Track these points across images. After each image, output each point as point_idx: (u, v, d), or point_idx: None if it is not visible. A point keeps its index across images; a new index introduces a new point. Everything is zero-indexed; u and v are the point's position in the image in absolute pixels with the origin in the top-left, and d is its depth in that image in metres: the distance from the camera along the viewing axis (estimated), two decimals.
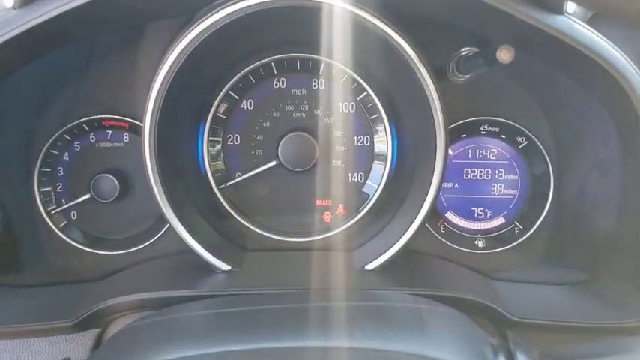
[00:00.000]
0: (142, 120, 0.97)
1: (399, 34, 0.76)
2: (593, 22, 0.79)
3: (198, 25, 0.75)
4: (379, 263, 0.87)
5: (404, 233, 0.86)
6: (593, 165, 0.91)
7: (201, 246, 0.85)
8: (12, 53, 0.67)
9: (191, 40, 0.76)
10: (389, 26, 0.75)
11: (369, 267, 0.87)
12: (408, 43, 0.78)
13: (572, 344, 0.55)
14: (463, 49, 0.87)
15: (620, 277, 0.80)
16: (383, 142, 1.01)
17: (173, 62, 0.77)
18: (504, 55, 0.67)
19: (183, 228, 0.83)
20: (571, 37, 0.67)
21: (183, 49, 0.76)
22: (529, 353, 0.56)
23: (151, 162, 0.81)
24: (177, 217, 0.83)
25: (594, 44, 0.70)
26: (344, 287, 0.73)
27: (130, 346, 0.50)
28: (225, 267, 0.86)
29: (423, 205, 0.85)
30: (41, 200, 0.99)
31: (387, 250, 0.87)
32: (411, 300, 0.60)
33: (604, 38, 0.72)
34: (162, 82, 0.78)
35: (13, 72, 0.77)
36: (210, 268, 0.86)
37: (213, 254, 0.85)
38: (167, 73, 0.77)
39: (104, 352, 0.55)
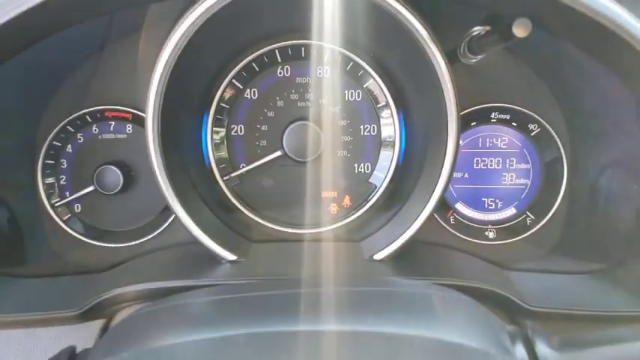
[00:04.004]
0: (144, 110, 0.97)
1: (410, 12, 0.73)
2: None
3: (197, 7, 0.73)
4: (387, 253, 0.85)
5: (412, 223, 0.84)
6: (609, 152, 0.89)
7: (207, 236, 0.83)
8: (16, 31, 0.66)
9: (191, 24, 0.74)
10: (400, 4, 0.72)
11: (377, 257, 0.85)
12: (420, 22, 0.75)
13: (595, 331, 0.53)
14: (475, 29, 0.84)
15: (638, 266, 0.77)
16: (390, 131, 0.99)
17: (174, 48, 0.75)
18: (521, 29, 0.64)
19: (189, 219, 0.82)
20: (588, 7, 0.63)
21: (183, 34, 0.74)
22: (549, 341, 0.54)
23: (155, 153, 0.79)
24: (183, 208, 0.81)
25: (615, 15, 0.65)
26: (353, 275, 0.71)
27: (137, 331, 0.49)
28: (231, 257, 0.84)
29: (432, 195, 0.83)
30: (45, 193, 0.98)
31: (395, 241, 0.84)
32: (422, 286, 0.58)
33: (625, 9, 0.68)
34: (163, 70, 0.76)
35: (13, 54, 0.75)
36: (215, 259, 0.85)
37: (219, 244, 0.84)
38: (168, 59, 0.76)
39: (111, 337, 0.53)
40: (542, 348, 0.54)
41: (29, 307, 0.76)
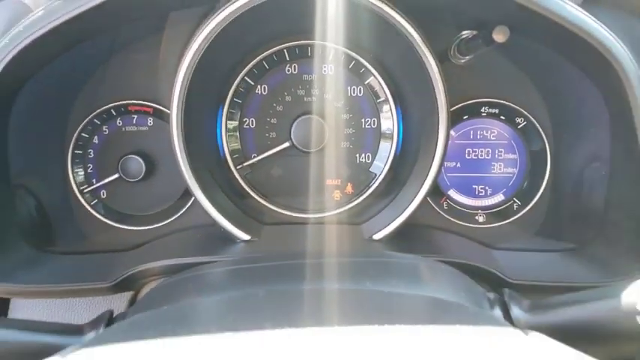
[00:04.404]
0: (164, 105, 1.06)
1: (404, 19, 0.82)
2: (585, 5, 0.85)
3: (221, 12, 0.82)
4: (385, 234, 0.94)
5: (408, 207, 0.93)
6: (587, 144, 0.98)
7: (224, 218, 0.93)
8: (55, 41, 0.75)
9: (213, 28, 0.83)
10: (396, 12, 0.82)
11: (376, 237, 0.94)
12: (413, 27, 0.85)
13: (559, 295, 0.62)
14: (464, 32, 0.93)
15: (608, 244, 0.87)
16: (389, 124, 1.08)
17: (196, 50, 0.85)
18: (499, 35, 0.74)
19: (208, 202, 0.91)
20: (562, 17, 0.72)
21: (206, 36, 0.84)
22: (521, 304, 0.64)
23: (178, 143, 0.89)
24: (202, 192, 0.91)
25: (586, 24, 0.75)
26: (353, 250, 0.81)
27: (171, 291, 0.58)
28: (246, 237, 0.94)
29: (425, 182, 0.92)
30: (74, 180, 1.07)
31: (392, 222, 0.94)
32: (413, 258, 0.67)
33: (596, 20, 0.78)
34: (186, 69, 0.86)
35: (53, 60, 0.85)
36: (231, 239, 0.94)
37: (235, 225, 0.93)
38: (191, 60, 0.85)
39: (148, 297, 0.63)
40: (515, 310, 0.63)
41: (64, 280, 0.85)
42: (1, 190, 0.87)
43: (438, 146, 0.89)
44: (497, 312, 0.64)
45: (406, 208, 0.93)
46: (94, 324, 0.63)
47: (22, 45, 0.72)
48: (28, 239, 0.90)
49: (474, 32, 0.90)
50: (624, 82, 0.73)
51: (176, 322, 0.44)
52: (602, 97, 0.85)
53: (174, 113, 0.88)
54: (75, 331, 0.62)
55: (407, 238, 0.96)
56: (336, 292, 0.49)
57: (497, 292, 0.80)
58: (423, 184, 0.92)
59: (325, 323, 0.39)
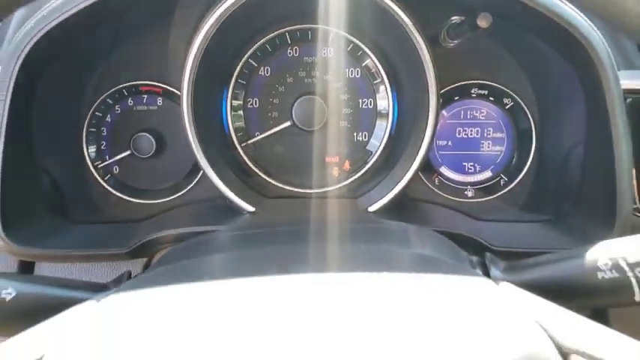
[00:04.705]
0: (173, 85, 1.13)
1: (397, 5, 0.89)
2: None
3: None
4: (380, 206, 1.02)
5: (400, 181, 1.01)
6: (568, 124, 1.05)
7: (230, 191, 1.00)
8: (75, 24, 0.81)
9: (222, 13, 0.89)
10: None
11: (371, 209, 1.02)
12: (405, 13, 0.91)
13: (534, 257, 0.69)
14: (453, 18, 1.00)
15: (583, 216, 0.95)
16: (385, 104, 1.15)
17: (206, 33, 0.91)
18: (483, 21, 0.80)
19: (216, 176, 0.99)
20: (539, 4, 0.79)
21: (215, 20, 0.90)
22: (500, 265, 0.71)
23: (188, 121, 0.96)
24: (211, 167, 0.98)
25: (563, 12, 0.82)
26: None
27: (186, 251, 0.66)
28: (251, 208, 1.01)
29: (417, 157, 0.99)
30: (89, 156, 1.14)
31: (386, 195, 1.02)
32: (403, 225, 0.74)
33: (573, 7, 0.84)
34: (196, 52, 0.92)
35: (72, 43, 0.91)
36: (236, 210, 1.02)
37: (241, 198, 1.01)
38: (200, 44, 0.91)
39: (166, 256, 0.70)
40: (494, 271, 0.71)
41: (85, 246, 0.93)
42: (27, 166, 0.94)
43: (428, 125, 0.96)
44: (478, 272, 0.71)
45: (399, 183, 1.00)
46: (116, 282, 0.71)
47: (47, 29, 0.78)
48: (50, 210, 0.97)
49: (462, 18, 0.97)
50: (597, 66, 0.80)
51: (194, 270, 0.52)
52: (579, 79, 0.92)
53: (185, 93, 0.94)
54: (100, 288, 0.69)
55: (400, 210, 1.04)
56: (333, 249, 0.57)
57: (480, 257, 0.89)
58: (414, 160, 0.99)
59: (323, 271, 0.47)
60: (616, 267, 0.62)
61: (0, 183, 0.85)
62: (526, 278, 0.67)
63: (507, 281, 0.67)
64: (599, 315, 0.94)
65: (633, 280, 0.61)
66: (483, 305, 0.43)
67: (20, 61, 0.80)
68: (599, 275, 0.63)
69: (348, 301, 0.43)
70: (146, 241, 0.92)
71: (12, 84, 0.81)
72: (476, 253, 0.92)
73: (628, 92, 0.87)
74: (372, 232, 0.66)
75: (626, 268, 0.61)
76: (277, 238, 0.64)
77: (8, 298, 0.64)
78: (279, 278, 0.45)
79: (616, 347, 0.43)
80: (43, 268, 1.05)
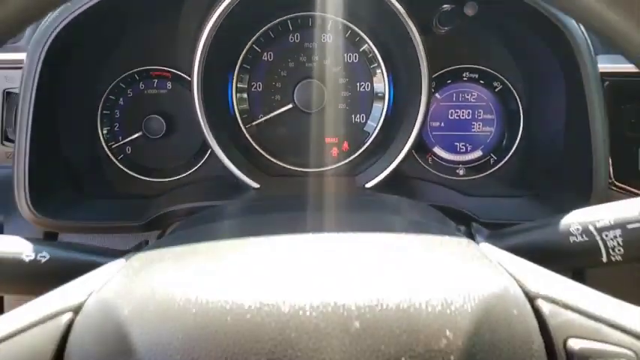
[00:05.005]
0: (182, 70, 1.20)
1: None
2: None
3: None
4: (376, 182, 1.09)
5: (395, 160, 1.08)
6: (551, 106, 1.12)
7: (237, 169, 1.08)
8: (96, 12, 0.88)
9: (230, 2, 0.96)
10: None
11: (368, 185, 1.10)
12: (399, 2, 0.98)
13: (515, 225, 0.77)
14: (444, 6, 1.07)
15: (564, 190, 1.03)
16: (381, 88, 1.22)
17: (215, 20, 0.98)
18: (469, 10, 0.87)
19: (223, 155, 1.06)
20: None
21: (224, 9, 0.97)
22: (484, 233, 0.79)
23: (199, 104, 1.03)
24: (219, 146, 1.06)
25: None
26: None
27: (195, 223, 0.73)
28: (255, 185, 1.09)
29: (411, 136, 1.07)
30: (103, 137, 1.22)
31: (382, 173, 1.09)
32: (396, 197, 0.82)
33: None
34: (206, 38, 0.99)
35: (92, 30, 0.98)
36: (242, 187, 1.10)
37: (246, 175, 1.08)
38: (210, 31, 0.98)
39: (182, 224, 0.78)
40: (478, 238, 0.79)
41: (103, 218, 1.01)
42: (51, 146, 1.02)
43: (421, 106, 1.04)
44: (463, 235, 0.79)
45: (394, 161, 1.08)
46: (137, 247, 0.79)
47: (70, 17, 0.85)
48: (71, 187, 1.05)
49: (452, 6, 1.04)
50: (575, 52, 0.87)
51: (211, 230, 0.59)
52: (560, 64, 0.99)
53: (195, 78, 1.02)
54: (121, 254, 0.78)
55: (395, 186, 1.11)
56: (330, 213, 0.65)
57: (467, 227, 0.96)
58: (408, 139, 1.07)
59: (321, 231, 0.54)
60: (586, 232, 0.69)
61: (28, 162, 0.92)
62: (507, 244, 0.74)
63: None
64: (577, 279, 1.02)
65: (600, 244, 0.68)
66: (459, 252, 0.51)
67: (46, 48, 0.88)
68: (571, 239, 0.69)
69: (342, 242, 0.51)
70: (161, 214, 1.00)
71: (38, 70, 0.88)
72: (463, 225, 1.00)
73: (606, 75, 0.94)
74: (366, 202, 0.74)
75: (595, 233, 0.68)
76: (281, 207, 0.71)
77: (43, 260, 0.72)
78: (287, 230, 0.52)
79: (581, 294, 0.47)
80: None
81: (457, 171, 1.27)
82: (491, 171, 1.25)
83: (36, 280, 0.70)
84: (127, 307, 0.44)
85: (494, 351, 0.42)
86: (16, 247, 0.71)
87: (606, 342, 0.43)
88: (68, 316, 0.46)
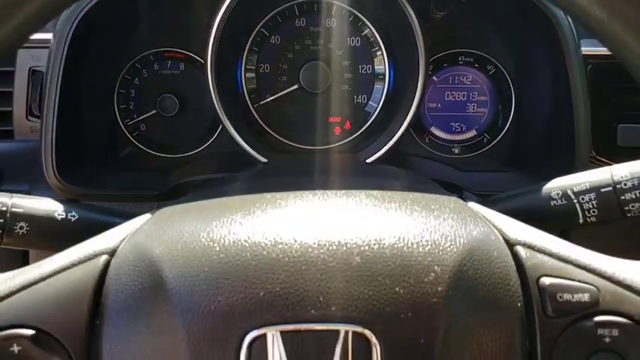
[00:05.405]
0: (194, 52, 1.27)
1: None
2: None
3: None
4: (376, 157, 1.18)
5: (395, 136, 1.16)
6: (540, 88, 1.20)
7: (246, 144, 1.16)
8: None
9: None
10: None
11: (368, 160, 1.18)
12: None
13: (503, 193, 0.85)
14: None
15: (550, 163, 1.11)
16: (382, 70, 1.29)
17: (227, 5, 1.05)
18: None
19: (234, 131, 1.14)
20: None
21: None
22: (472, 199, 0.87)
23: (212, 83, 1.11)
24: (230, 122, 1.14)
25: None
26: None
27: (212, 185, 0.81)
28: (264, 160, 1.17)
29: (409, 114, 1.15)
30: (119, 114, 1.30)
31: (382, 149, 1.17)
32: (394, 168, 0.90)
33: None
34: (219, 21, 1.07)
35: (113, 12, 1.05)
36: (251, 161, 1.18)
37: (255, 151, 1.16)
38: (224, 13, 1.06)
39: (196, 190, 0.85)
40: (468, 201, 0.87)
41: (126, 188, 1.09)
42: (75, 121, 1.09)
43: (418, 87, 1.12)
44: None
45: (393, 137, 1.16)
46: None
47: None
48: (92, 159, 1.13)
49: None
50: (559, 35, 0.95)
51: (227, 191, 0.67)
52: (547, 47, 1.06)
53: (209, 60, 1.09)
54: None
55: (393, 162, 1.20)
56: (335, 177, 0.73)
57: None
58: (407, 117, 1.15)
59: (327, 188, 0.62)
60: (565, 196, 0.77)
61: (54, 136, 1.00)
62: (495, 208, 0.83)
63: None
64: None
65: (577, 206, 0.76)
66: (448, 206, 0.59)
67: (73, 28, 0.95)
68: (552, 203, 0.78)
69: (345, 195, 0.59)
70: (178, 184, 1.08)
71: (65, 49, 0.96)
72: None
73: (589, 58, 1.02)
74: (367, 169, 0.82)
75: (572, 197, 0.76)
76: (291, 173, 0.80)
77: (73, 219, 0.80)
78: (296, 188, 0.60)
79: (554, 242, 0.52)
80: None
81: (452, 149, 1.35)
82: (484, 149, 1.33)
83: (66, 236, 0.78)
84: (157, 247, 0.51)
85: (476, 285, 0.50)
86: (50, 206, 0.79)
87: (573, 279, 0.51)
88: (105, 257, 0.53)
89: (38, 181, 1.08)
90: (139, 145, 1.31)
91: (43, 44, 1.06)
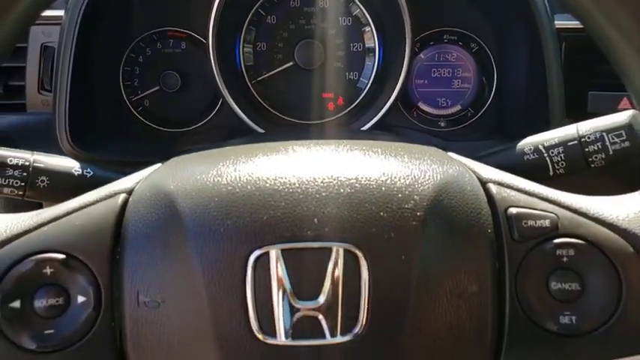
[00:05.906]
0: (195, 31, 1.34)
1: None
2: None
3: None
4: (366, 128, 1.26)
5: (384, 107, 1.25)
6: (520, 64, 1.29)
7: (246, 117, 1.24)
8: None
9: None
10: None
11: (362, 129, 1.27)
12: None
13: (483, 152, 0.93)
14: None
15: (528, 130, 1.19)
16: (372, 48, 1.37)
17: None
18: None
19: (235, 104, 1.22)
20: None
21: None
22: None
23: (214, 60, 1.18)
24: (230, 96, 1.22)
25: None
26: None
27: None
28: (262, 131, 1.26)
29: (396, 87, 1.23)
30: (124, 91, 1.37)
31: (372, 120, 1.26)
32: (384, 132, 0.99)
33: None
34: (219, 1, 1.14)
35: None
36: (250, 133, 1.26)
37: (254, 122, 1.25)
38: None
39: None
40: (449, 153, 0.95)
41: (133, 155, 1.17)
42: (84, 94, 1.17)
43: (404, 62, 1.20)
44: None
45: (382, 108, 1.24)
46: None
47: None
48: (100, 128, 1.21)
49: None
50: (533, 10, 1.04)
51: (229, 144, 0.75)
52: (524, 24, 1.15)
53: (211, 38, 1.17)
54: None
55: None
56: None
57: None
58: (394, 90, 1.23)
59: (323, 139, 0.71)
60: (536, 150, 0.85)
61: (67, 107, 1.08)
62: None
63: None
64: None
65: (547, 160, 0.84)
66: (429, 151, 0.67)
67: (84, 6, 1.02)
68: (525, 158, 0.86)
69: (337, 143, 0.66)
70: (183, 151, 1.16)
71: (77, 25, 1.03)
72: None
73: (563, 31, 1.11)
74: (359, 132, 0.90)
75: (543, 151, 0.85)
76: (287, 136, 0.88)
77: (88, 175, 0.88)
78: (294, 144, 0.69)
79: (523, 181, 0.59)
80: None
81: (439, 123, 1.43)
82: (468, 123, 1.41)
83: (82, 191, 0.85)
84: (171, 184, 0.58)
85: (450, 212, 0.58)
86: (68, 163, 0.87)
87: (536, 209, 0.59)
88: (123, 195, 0.57)
89: (48, 150, 1.15)
90: (144, 120, 1.38)
91: (54, 21, 1.14)
